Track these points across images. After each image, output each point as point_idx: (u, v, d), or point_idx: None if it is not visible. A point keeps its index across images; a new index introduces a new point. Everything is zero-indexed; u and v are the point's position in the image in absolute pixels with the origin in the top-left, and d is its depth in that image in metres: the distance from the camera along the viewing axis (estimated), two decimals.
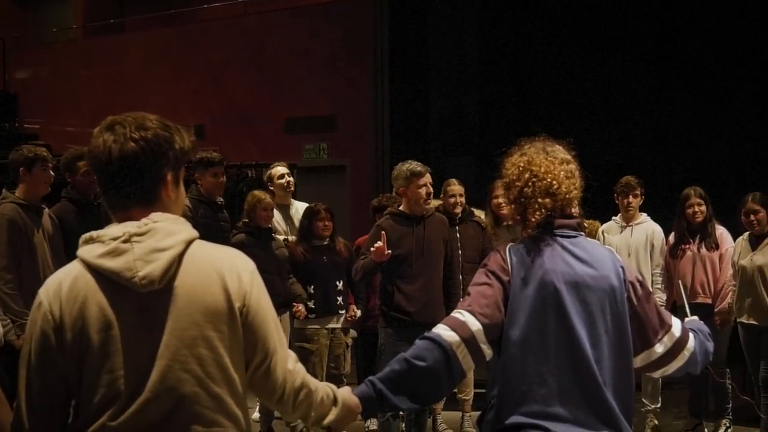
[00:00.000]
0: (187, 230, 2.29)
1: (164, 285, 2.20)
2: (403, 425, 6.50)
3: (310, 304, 6.83)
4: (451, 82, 12.23)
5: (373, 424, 7.03)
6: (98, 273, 2.21)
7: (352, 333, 7.36)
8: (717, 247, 6.96)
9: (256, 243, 6.66)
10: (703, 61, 10.46)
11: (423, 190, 6.10)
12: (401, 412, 6.18)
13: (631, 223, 7.24)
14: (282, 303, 6.50)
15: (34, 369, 2.22)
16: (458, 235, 6.89)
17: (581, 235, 3.01)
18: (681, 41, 10.60)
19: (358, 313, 7.02)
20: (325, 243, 6.95)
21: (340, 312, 6.91)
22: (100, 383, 2.18)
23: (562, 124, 9.50)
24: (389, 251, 5.89)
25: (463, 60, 12.21)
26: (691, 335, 3.11)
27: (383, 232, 5.96)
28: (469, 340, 2.85)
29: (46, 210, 5.70)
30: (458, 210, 7.01)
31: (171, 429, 2.20)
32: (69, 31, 17.88)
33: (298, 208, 7.47)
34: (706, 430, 7.10)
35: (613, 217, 7.39)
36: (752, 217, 6.64)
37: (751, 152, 9.97)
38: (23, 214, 5.47)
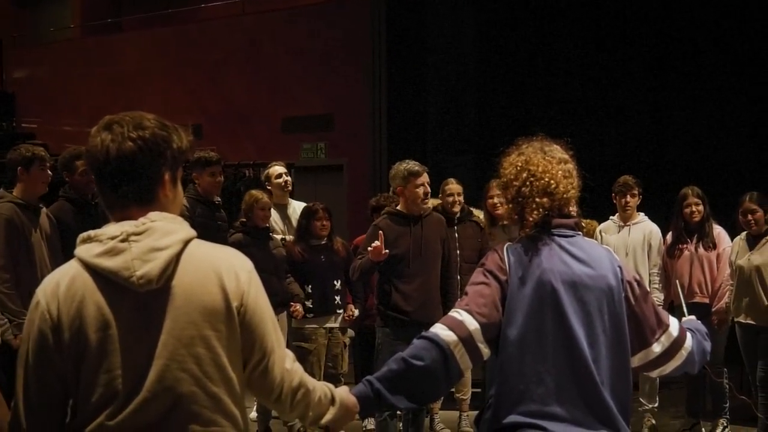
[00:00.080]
0: (185, 230, 2.29)
1: (162, 284, 2.20)
2: (401, 425, 6.50)
3: (308, 304, 6.83)
4: (449, 81, 12.22)
5: (370, 423, 7.03)
6: (96, 272, 2.20)
7: (350, 332, 7.36)
8: (714, 246, 6.97)
9: (254, 242, 6.66)
10: (700, 60, 10.46)
11: (420, 190, 6.10)
12: (399, 412, 6.19)
13: (628, 223, 7.25)
14: (280, 302, 6.50)
15: (31, 368, 2.22)
16: (457, 235, 6.90)
17: (579, 234, 3.01)
18: (679, 40, 10.59)
19: (356, 312, 7.02)
20: (323, 242, 6.95)
21: (338, 311, 6.91)
22: (97, 383, 2.18)
23: (559, 123, 9.52)
24: (387, 251, 5.89)
25: (460, 59, 12.21)
26: (688, 335, 3.11)
27: (380, 231, 5.96)
28: (466, 339, 2.85)
29: (44, 209, 5.70)
30: (456, 209, 7.02)
31: (169, 428, 2.20)
32: (66, 31, 17.88)
33: (296, 207, 7.48)
34: (703, 429, 7.11)
35: (611, 217, 7.39)
36: (750, 217, 6.65)
37: (748, 152, 9.97)
38: (21, 213, 5.47)
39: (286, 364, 2.40)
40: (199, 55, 14.28)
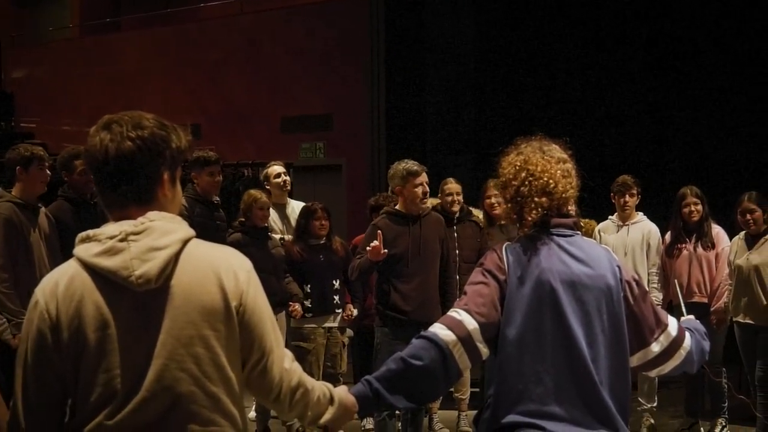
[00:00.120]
0: (184, 229, 2.29)
1: (161, 284, 2.20)
2: (400, 424, 6.50)
3: (307, 303, 6.83)
4: (448, 80, 12.22)
5: (369, 423, 7.03)
6: (95, 272, 2.20)
7: (349, 332, 7.36)
8: (713, 246, 6.98)
9: (253, 242, 6.66)
10: (699, 61, 10.46)
11: (419, 190, 6.10)
12: (398, 412, 6.19)
13: (627, 223, 7.25)
14: (278, 302, 6.50)
15: (30, 368, 2.22)
16: (456, 234, 6.90)
17: (577, 234, 3.01)
18: (678, 40, 10.59)
19: (355, 312, 7.02)
20: (322, 242, 6.95)
21: (337, 311, 6.91)
22: (96, 382, 2.18)
23: (558, 123, 9.53)
24: (385, 250, 5.89)
25: (459, 59, 12.20)
26: (687, 334, 3.12)
27: (379, 231, 5.96)
28: (465, 339, 2.85)
29: (43, 209, 5.70)
30: (455, 209, 7.02)
31: (167, 428, 2.20)
32: (65, 30, 17.88)
33: (295, 207, 7.47)
34: (702, 429, 7.11)
35: (610, 217, 7.39)
36: (748, 217, 6.65)
37: (747, 152, 9.97)
38: (20, 213, 5.47)
39: (285, 363, 2.40)
40: (199, 54, 14.28)
